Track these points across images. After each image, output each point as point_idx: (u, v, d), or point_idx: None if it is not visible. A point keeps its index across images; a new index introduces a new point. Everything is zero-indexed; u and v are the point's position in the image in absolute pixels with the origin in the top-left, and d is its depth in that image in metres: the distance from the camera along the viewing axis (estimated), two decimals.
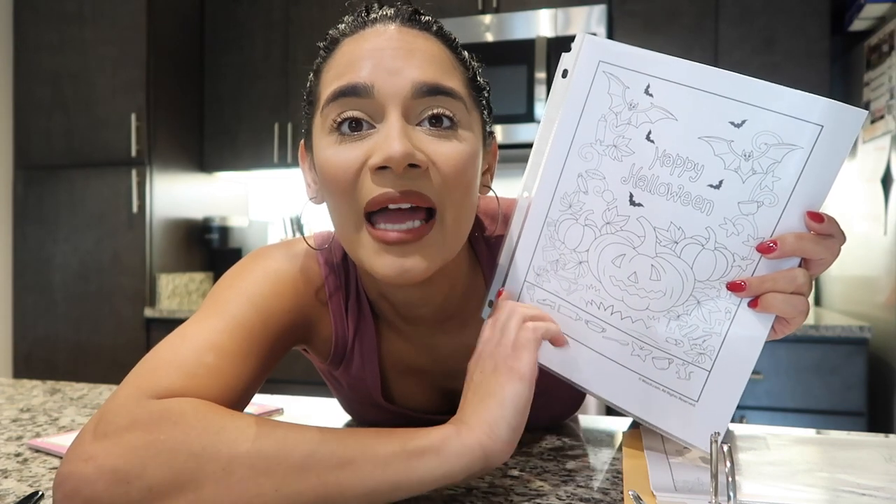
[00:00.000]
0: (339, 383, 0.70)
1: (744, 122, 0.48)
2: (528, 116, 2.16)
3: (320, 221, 0.67)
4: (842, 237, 0.49)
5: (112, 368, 2.34)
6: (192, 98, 2.56)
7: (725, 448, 0.46)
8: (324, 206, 0.59)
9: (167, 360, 0.50)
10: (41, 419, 0.78)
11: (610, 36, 2.18)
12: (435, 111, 0.52)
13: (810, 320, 1.88)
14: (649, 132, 0.52)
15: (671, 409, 0.54)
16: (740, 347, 0.51)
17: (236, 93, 2.55)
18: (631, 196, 0.53)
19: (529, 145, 2.28)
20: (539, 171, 0.58)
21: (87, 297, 2.39)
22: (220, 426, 0.45)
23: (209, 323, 0.54)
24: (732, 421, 0.55)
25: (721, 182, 0.49)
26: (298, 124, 2.47)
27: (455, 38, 0.59)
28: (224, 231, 2.57)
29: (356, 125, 0.53)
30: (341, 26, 0.57)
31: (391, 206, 0.51)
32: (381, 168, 0.51)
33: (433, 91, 0.52)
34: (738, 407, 1.81)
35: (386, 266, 0.52)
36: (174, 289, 2.45)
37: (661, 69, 0.51)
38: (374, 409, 0.69)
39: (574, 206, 0.56)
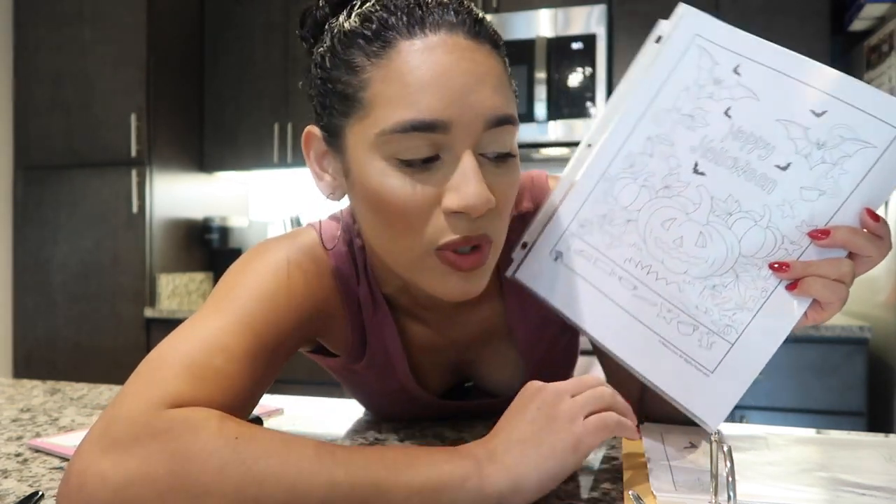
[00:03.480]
0: (359, 375, 0.69)
1: (824, 112, 0.50)
2: (528, 116, 2.16)
3: (318, 216, 0.67)
4: (890, 243, 0.50)
5: (112, 368, 2.34)
6: (192, 98, 2.56)
7: (725, 448, 0.46)
8: (323, 200, 0.58)
9: (174, 362, 0.48)
10: (41, 419, 0.77)
11: (609, 35, 2.18)
12: (501, 150, 0.52)
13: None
14: (728, 108, 0.54)
15: (682, 374, 0.54)
16: (768, 328, 0.52)
17: (236, 93, 2.55)
18: (696, 165, 0.54)
19: (530, 145, 2.29)
20: (609, 127, 0.59)
21: (87, 297, 2.39)
22: (241, 460, 0.42)
23: (215, 322, 0.51)
24: (732, 421, 0.55)
25: (789, 165, 0.51)
26: (298, 124, 2.47)
27: (503, 45, 0.56)
28: (224, 231, 2.57)
29: (427, 158, 0.50)
30: (390, 19, 0.51)
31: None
32: (457, 212, 0.50)
33: (502, 122, 0.51)
34: (738, 407, 1.81)
35: (454, 288, 0.53)
36: (174, 289, 2.45)
37: (755, 52, 0.53)
38: (398, 396, 0.69)
39: (636, 165, 0.57)
